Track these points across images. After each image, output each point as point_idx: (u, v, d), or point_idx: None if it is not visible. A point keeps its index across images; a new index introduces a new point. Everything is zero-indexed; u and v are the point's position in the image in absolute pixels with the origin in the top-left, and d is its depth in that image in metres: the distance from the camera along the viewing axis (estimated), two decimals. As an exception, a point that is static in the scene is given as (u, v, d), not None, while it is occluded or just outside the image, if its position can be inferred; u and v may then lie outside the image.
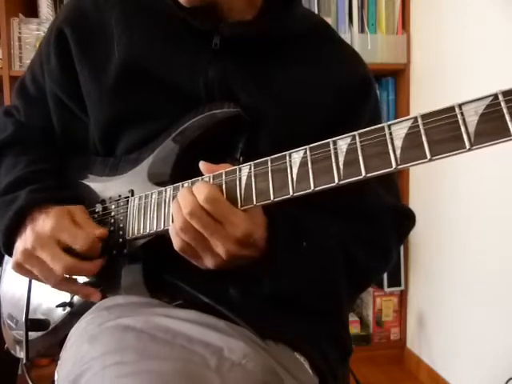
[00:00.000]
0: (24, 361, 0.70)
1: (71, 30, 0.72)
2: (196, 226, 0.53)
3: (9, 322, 0.76)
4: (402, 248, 1.89)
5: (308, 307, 0.67)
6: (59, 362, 0.57)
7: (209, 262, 0.57)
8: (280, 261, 0.59)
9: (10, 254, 0.66)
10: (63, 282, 0.65)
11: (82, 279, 0.68)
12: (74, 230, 0.63)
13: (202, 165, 0.58)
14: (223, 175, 0.56)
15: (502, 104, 0.38)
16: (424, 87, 1.81)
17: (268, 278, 0.61)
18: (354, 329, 1.99)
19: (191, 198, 0.53)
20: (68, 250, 0.63)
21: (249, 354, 0.44)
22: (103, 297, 0.65)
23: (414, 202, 1.89)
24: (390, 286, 1.96)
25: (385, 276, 1.94)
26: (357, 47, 1.76)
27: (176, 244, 0.57)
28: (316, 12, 1.79)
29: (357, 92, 0.74)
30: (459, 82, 1.60)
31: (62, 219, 0.63)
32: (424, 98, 1.82)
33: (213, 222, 0.53)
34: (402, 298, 1.99)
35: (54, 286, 0.65)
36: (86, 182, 0.74)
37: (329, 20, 1.78)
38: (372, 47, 1.82)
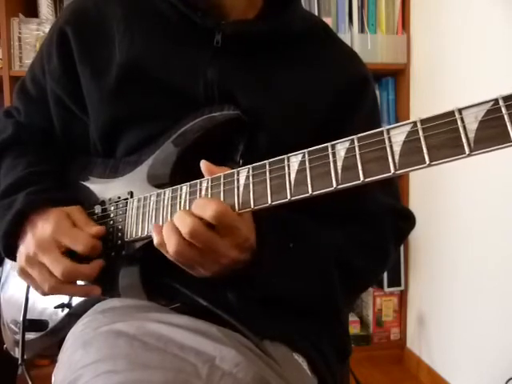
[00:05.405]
0: (19, 361, 0.70)
1: (73, 30, 0.72)
2: (198, 244, 0.53)
3: (11, 326, 0.76)
4: (402, 248, 1.89)
5: (302, 309, 0.67)
6: (56, 365, 0.57)
7: (206, 271, 0.57)
8: (269, 264, 0.59)
9: (11, 258, 0.66)
10: (63, 286, 0.64)
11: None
12: (74, 231, 0.63)
13: (203, 164, 0.57)
14: (221, 178, 0.55)
15: (503, 109, 0.38)
16: (424, 87, 1.81)
17: (259, 281, 0.61)
18: (354, 329, 1.99)
19: (190, 219, 0.52)
20: (70, 253, 0.63)
21: (240, 362, 0.44)
22: (103, 292, 0.65)
23: (415, 202, 1.89)
24: (389, 285, 1.96)
25: (385, 276, 1.94)
26: (357, 47, 1.77)
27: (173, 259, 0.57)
28: (316, 12, 1.79)
29: (356, 91, 0.74)
30: (459, 82, 1.59)
31: (61, 222, 0.63)
32: (424, 97, 1.82)
33: (216, 235, 0.53)
34: (402, 298, 1.99)
35: (49, 291, 0.63)
36: (85, 183, 0.74)
37: (329, 20, 1.78)
38: (372, 47, 1.81)
